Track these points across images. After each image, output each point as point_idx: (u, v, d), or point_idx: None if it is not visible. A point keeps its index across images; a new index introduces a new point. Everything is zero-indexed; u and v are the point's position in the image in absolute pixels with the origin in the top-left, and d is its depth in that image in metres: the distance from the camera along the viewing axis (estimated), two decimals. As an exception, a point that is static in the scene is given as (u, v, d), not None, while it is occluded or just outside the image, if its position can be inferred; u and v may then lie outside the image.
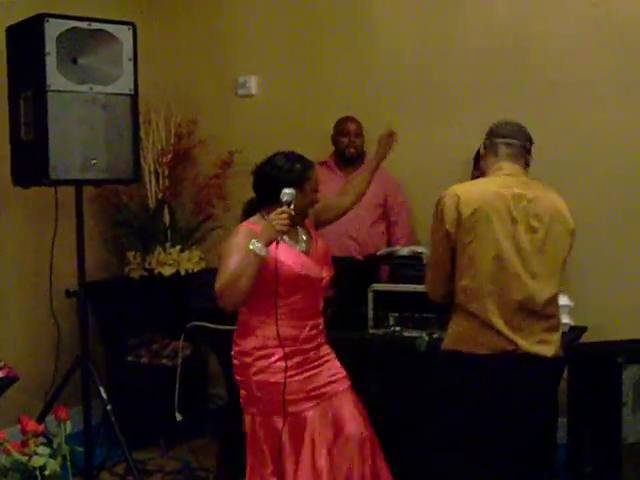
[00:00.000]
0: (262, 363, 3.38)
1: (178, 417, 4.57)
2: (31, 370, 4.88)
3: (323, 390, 3.47)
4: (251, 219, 3.47)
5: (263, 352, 3.38)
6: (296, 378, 3.39)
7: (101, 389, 4.41)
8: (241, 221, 3.52)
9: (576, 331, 4.31)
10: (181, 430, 4.88)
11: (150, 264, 5.40)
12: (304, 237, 3.53)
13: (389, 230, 5.25)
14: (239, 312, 3.47)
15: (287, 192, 3.28)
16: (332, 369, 3.54)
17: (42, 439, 2.92)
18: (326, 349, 3.58)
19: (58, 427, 2.97)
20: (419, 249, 4.36)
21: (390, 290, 4.21)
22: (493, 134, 3.43)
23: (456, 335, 3.28)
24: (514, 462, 3.28)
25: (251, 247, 3.17)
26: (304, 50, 5.62)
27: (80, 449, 3.04)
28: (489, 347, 3.18)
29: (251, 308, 3.40)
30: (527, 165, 3.40)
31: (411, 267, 4.24)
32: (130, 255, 5.48)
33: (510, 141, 3.37)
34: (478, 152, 4.96)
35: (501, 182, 3.27)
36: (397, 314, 4.17)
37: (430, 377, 3.42)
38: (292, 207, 3.26)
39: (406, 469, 3.89)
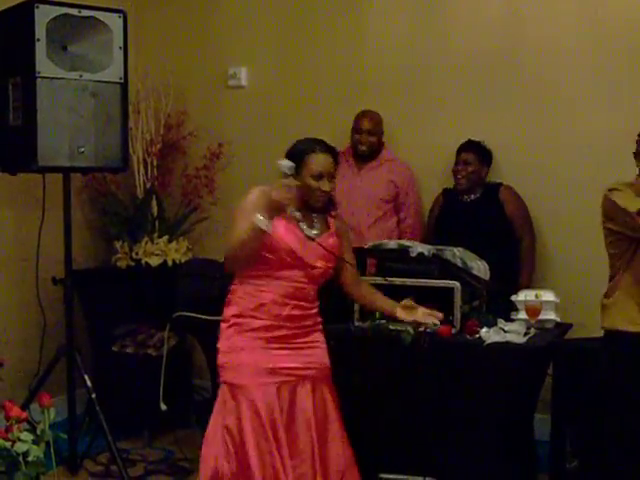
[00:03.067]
0: (234, 330, 3.40)
1: (163, 407, 4.58)
2: (16, 358, 4.87)
3: (290, 372, 3.40)
4: None
5: (239, 320, 3.39)
6: (260, 351, 3.37)
7: (86, 377, 4.41)
8: None
9: (562, 327, 4.33)
10: (165, 420, 4.88)
11: (137, 254, 5.39)
12: (318, 227, 3.50)
13: (399, 226, 5.21)
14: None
15: (281, 163, 3.28)
16: (313, 357, 3.48)
17: (26, 426, 2.91)
18: (316, 337, 3.53)
19: (42, 414, 2.96)
20: (407, 243, 4.35)
21: (377, 283, 4.21)
22: None
23: None
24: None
25: (256, 221, 3.19)
26: (294, 42, 5.61)
27: (64, 436, 3.03)
28: None
29: (242, 278, 3.42)
30: None
31: (398, 260, 4.24)
32: (117, 244, 5.47)
33: None
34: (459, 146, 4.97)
35: None
36: (383, 307, 4.17)
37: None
38: (291, 180, 3.24)
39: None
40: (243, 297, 3.41)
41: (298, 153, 3.40)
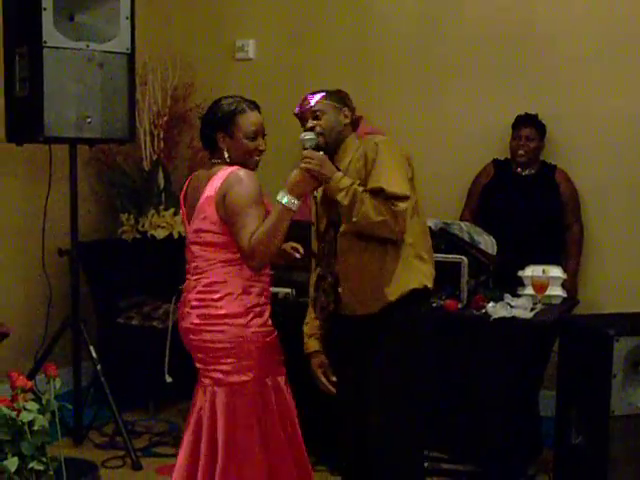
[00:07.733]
0: (258, 321, 3.08)
1: (168, 379, 4.58)
2: (22, 329, 4.88)
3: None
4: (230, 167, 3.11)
5: (257, 309, 3.09)
6: (277, 340, 3.18)
7: (91, 348, 4.42)
8: None
9: (568, 303, 4.32)
10: (170, 392, 4.89)
11: (143, 226, 5.37)
12: None
13: None
14: (210, 272, 3.10)
15: (305, 137, 3.09)
16: None
17: (31, 396, 2.92)
18: None
19: (47, 385, 2.96)
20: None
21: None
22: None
23: None
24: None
25: (285, 203, 2.93)
26: (303, 14, 5.57)
27: (69, 406, 3.04)
28: None
29: (241, 267, 3.06)
30: None
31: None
32: (123, 217, 5.46)
33: None
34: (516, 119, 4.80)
35: None
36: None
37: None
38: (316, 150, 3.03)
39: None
40: (252, 284, 3.09)
41: (227, 114, 3.14)
